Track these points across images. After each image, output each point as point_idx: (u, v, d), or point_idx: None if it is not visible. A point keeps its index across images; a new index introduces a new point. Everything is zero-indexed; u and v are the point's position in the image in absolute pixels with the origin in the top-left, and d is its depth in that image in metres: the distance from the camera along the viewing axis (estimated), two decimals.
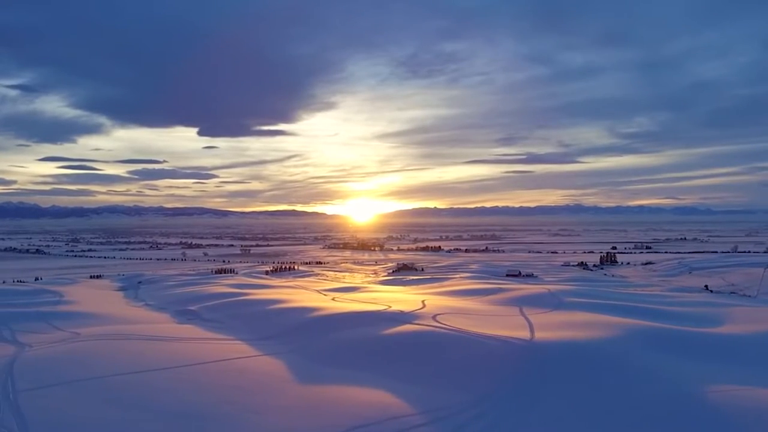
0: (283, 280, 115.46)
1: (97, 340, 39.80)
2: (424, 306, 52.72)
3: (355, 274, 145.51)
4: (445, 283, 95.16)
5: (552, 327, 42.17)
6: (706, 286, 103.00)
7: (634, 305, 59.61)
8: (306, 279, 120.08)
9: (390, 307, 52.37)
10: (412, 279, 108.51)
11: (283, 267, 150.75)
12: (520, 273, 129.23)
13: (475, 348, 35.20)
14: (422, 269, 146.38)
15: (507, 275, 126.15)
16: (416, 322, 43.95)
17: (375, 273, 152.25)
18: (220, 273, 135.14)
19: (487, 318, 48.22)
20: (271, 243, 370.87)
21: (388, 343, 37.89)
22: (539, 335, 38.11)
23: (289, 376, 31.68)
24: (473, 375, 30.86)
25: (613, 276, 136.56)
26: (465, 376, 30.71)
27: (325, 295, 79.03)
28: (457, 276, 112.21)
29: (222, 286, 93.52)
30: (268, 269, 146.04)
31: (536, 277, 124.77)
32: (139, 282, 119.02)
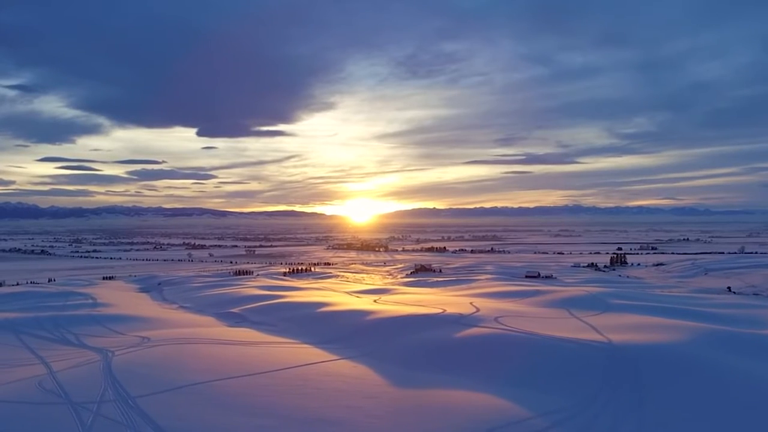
0: (305, 281, 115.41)
1: (172, 344, 39.73)
2: (478, 309, 52.90)
3: (373, 275, 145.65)
4: (473, 285, 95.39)
5: (618, 329, 42.42)
6: (728, 287, 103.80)
7: (678, 307, 59.93)
8: (327, 281, 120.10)
9: (445, 310, 52.55)
10: (437, 281, 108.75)
11: (299, 269, 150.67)
12: (539, 274, 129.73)
13: (557, 350, 35.47)
14: (440, 270, 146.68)
15: (526, 276, 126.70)
16: (482, 325, 44.19)
17: (390, 274, 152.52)
18: (239, 275, 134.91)
19: (545, 320, 48.48)
20: (274, 244, 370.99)
21: (467, 345, 38.09)
22: (613, 338, 38.36)
23: (383, 380, 31.78)
24: (567, 378, 31.10)
25: (628, 277, 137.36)
26: (560, 379, 30.96)
27: (358, 297, 79.08)
28: (482, 278, 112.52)
29: (250, 288, 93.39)
30: (285, 271, 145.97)
31: (555, 278, 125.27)
32: (159, 283, 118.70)
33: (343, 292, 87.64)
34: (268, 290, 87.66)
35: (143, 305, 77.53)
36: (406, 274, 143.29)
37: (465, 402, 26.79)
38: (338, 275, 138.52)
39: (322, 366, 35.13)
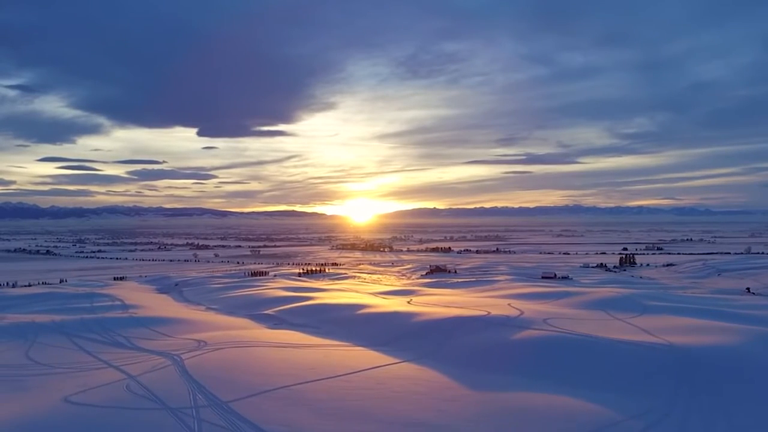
0: (324, 282, 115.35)
1: (231, 347, 39.72)
2: (522, 312, 53.04)
3: (387, 276, 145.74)
4: (495, 286, 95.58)
5: (669, 332, 42.61)
6: (747, 288, 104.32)
7: (713, 309, 60.03)
8: (346, 282, 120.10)
9: (489, 312, 52.70)
10: (457, 282, 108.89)
11: (313, 269, 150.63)
12: (555, 275, 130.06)
13: (622, 353, 35.64)
14: (455, 271, 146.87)
15: (542, 277, 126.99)
16: (534, 327, 44.35)
17: (402, 275, 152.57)
18: (254, 275, 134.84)
19: (590, 322, 48.65)
20: (277, 244, 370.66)
21: (527, 347, 38.22)
22: (672, 340, 38.57)
23: (454, 382, 31.80)
24: (642, 380, 31.27)
25: (641, 278, 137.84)
26: (635, 382, 31.14)
27: (385, 298, 79.09)
28: (500, 279, 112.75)
29: (273, 289, 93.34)
30: (299, 271, 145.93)
31: (571, 279, 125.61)
32: (176, 284, 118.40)
33: (367, 294, 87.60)
34: (293, 291, 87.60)
35: (172, 307, 77.36)
36: (422, 275, 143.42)
37: (552, 405, 26.90)
38: (354, 276, 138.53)
39: (390, 369, 35.20)
